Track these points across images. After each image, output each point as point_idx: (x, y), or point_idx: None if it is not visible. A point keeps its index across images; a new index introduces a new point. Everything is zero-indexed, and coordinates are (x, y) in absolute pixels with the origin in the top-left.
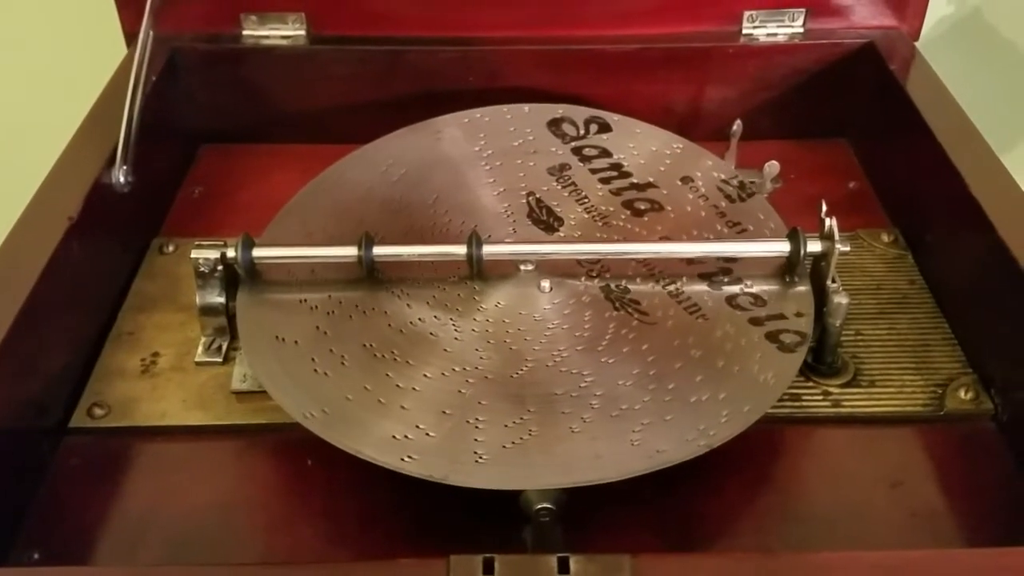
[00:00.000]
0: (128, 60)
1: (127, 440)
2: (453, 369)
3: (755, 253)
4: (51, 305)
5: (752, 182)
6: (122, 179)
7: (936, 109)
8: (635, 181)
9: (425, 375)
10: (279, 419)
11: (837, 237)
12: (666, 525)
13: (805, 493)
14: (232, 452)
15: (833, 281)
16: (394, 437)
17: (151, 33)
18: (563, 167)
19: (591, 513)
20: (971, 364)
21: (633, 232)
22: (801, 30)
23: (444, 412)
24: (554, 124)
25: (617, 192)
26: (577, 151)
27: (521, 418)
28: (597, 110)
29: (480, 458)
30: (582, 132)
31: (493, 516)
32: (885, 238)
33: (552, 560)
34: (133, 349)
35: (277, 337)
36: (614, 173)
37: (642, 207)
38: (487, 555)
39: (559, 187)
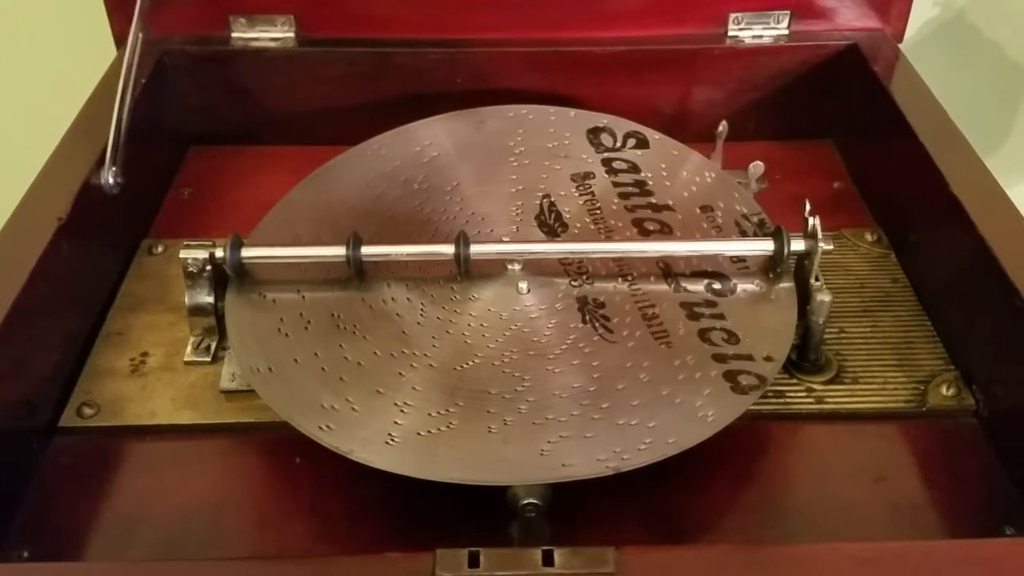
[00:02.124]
0: (118, 62)
1: (116, 439)
2: (403, 351)
3: (739, 251)
4: (40, 305)
5: (740, 182)
6: (111, 180)
7: (919, 110)
8: (653, 201)
9: (375, 352)
10: (268, 418)
11: (820, 236)
12: (653, 520)
13: (789, 488)
14: (221, 451)
15: (816, 279)
16: (322, 405)
17: (140, 36)
18: (587, 175)
19: (578, 509)
20: (953, 361)
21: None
22: (786, 32)
23: (378, 391)
24: (593, 132)
25: (631, 209)
26: (607, 162)
27: (447, 409)
28: (641, 126)
29: (392, 440)
30: (618, 144)
31: (481, 513)
32: (869, 237)
33: (537, 553)
34: (122, 349)
35: (259, 293)
36: (635, 190)
37: (650, 228)
38: (472, 548)
39: (576, 194)
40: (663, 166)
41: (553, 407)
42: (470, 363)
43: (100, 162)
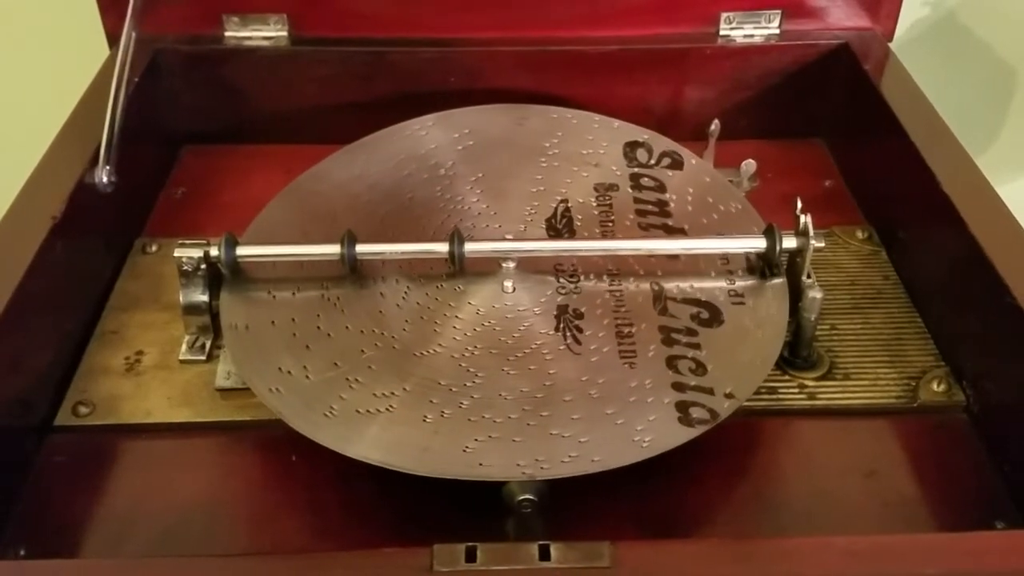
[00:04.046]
0: (111, 61)
1: (112, 438)
2: (373, 330)
3: (731, 249)
4: (35, 304)
5: (732, 181)
6: (105, 179)
7: (909, 109)
8: (669, 223)
9: (347, 326)
10: (263, 416)
11: (812, 233)
12: (647, 516)
13: (782, 483)
14: (216, 449)
15: (808, 276)
16: (280, 369)
17: (133, 34)
18: (610, 187)
19: (573, 505)
20: (943, 357)
21: (631, 268)
22: (777, 31)
23: (335, 363)
24: (630, 146)
25: (644, 227)
26: (635, 177)
27: (392, 392)
28: (682, 147)
29: (331, 413)
30: (651, 161)
31: (477, 509)
32: (860, 235)
33: (533, 547)
34: (117, 348)
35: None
36: (655, 209)
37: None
38: (470, 543)
39: (594, 204)
40: (690, 190)
41: (494, 407)
42: (431, 351)
43: (94, 161)
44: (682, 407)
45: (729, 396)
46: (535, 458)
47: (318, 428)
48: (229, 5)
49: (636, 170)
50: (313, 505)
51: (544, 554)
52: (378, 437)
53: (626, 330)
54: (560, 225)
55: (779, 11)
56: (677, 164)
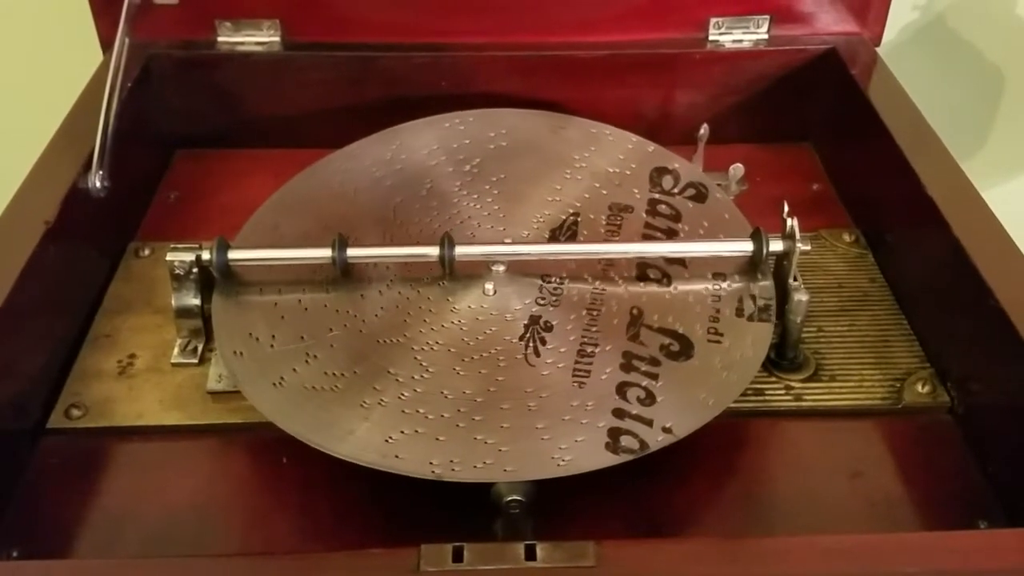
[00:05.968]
0: (104, 67)
1: (104, 440)
2: (347, 311)
3: (719, 252)
4: (28, 308)
5: (720, 184)
6: (98, 184)
7: (895, 113)
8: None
9: (324, 304)
10: (254, 418)
11: (798, 236)
12: (634, 515)
13: (768, 484)
14: (208, 451)
15: (795, 279)
16: (250, 334)
17: (127, 40)
18: (625, 208)
19: (561, 505)
20: (928, 359)
21: (618, 288)
22: (766, 36)
23: (301, 337)
24: (658, 171)
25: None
26: (652, 203)
27: (342, 374)
28: (711, 180)
29: (280, 384)
30: (674, 189)
31: (466, 511)
32: (847, 238)
33: (519, 547)
34: (110, 351)
35: (273, 227)
36: (662, 237)
37: (651, 275)
38: (457, 543)
39: (603, 222)
40: (705, 224)
41: (431, 403)
42: (394, 340)
43: (87, 166)
44: (614, 433)
45: (667, 431)
46: (450, 459)
47: (262, 397)
48: (222, 10)
49: (656, 196)
50: (303, 507)
51: (530, 554)
52: (310, 414)
53: (589, 350)
54: (563, 237)
55: (768, 16)
56: (700, 197)
